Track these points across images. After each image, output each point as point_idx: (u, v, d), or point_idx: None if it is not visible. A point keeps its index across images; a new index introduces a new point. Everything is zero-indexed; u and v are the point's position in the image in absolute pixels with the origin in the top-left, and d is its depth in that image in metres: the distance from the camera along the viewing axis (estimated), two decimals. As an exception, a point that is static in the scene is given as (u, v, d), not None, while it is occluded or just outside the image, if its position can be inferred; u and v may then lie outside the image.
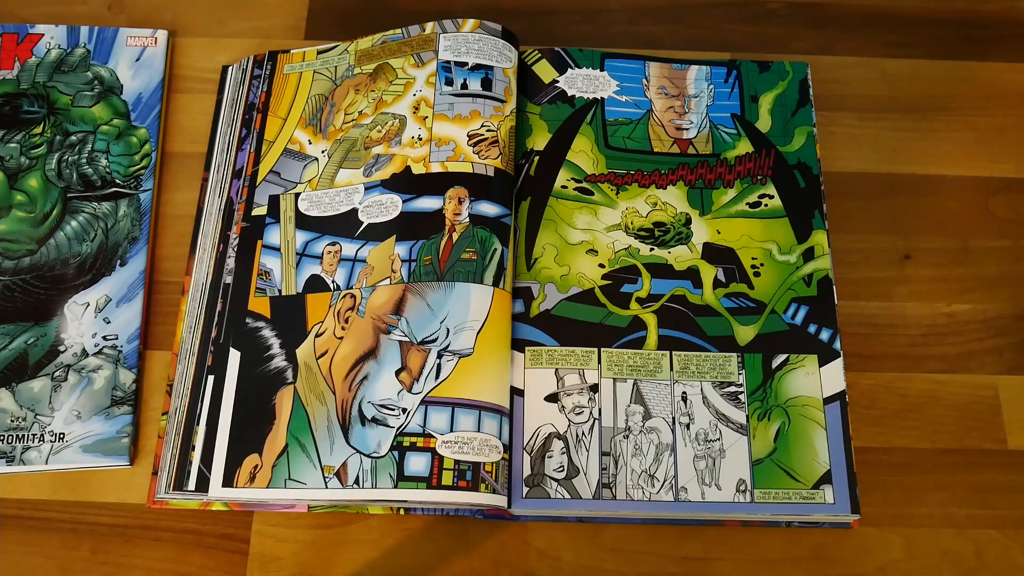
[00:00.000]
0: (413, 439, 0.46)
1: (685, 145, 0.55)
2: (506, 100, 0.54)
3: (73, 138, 0.57)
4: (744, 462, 0.48)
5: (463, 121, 0.53)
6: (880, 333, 0.53)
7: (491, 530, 0.49)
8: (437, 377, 0.47)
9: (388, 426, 0.46)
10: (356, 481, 0.46)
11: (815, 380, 0.49)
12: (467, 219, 0.50)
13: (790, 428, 0.48)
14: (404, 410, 0.47)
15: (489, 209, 0.51)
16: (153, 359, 0.53)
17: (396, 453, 0.46)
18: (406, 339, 0.48)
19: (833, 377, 0.49)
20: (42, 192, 0.55)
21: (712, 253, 0.52)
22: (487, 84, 0.54)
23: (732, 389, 0.49)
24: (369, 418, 0.47)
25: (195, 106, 0.59)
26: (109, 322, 0.53)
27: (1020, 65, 0.60)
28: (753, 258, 0.52)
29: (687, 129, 0.56)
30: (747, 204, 0.54)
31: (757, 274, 0.52)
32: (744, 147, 0.55)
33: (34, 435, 0.50)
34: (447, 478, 0.45)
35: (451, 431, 0.46)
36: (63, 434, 0.50)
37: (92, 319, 0.53)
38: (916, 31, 0.62)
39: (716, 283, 0.52)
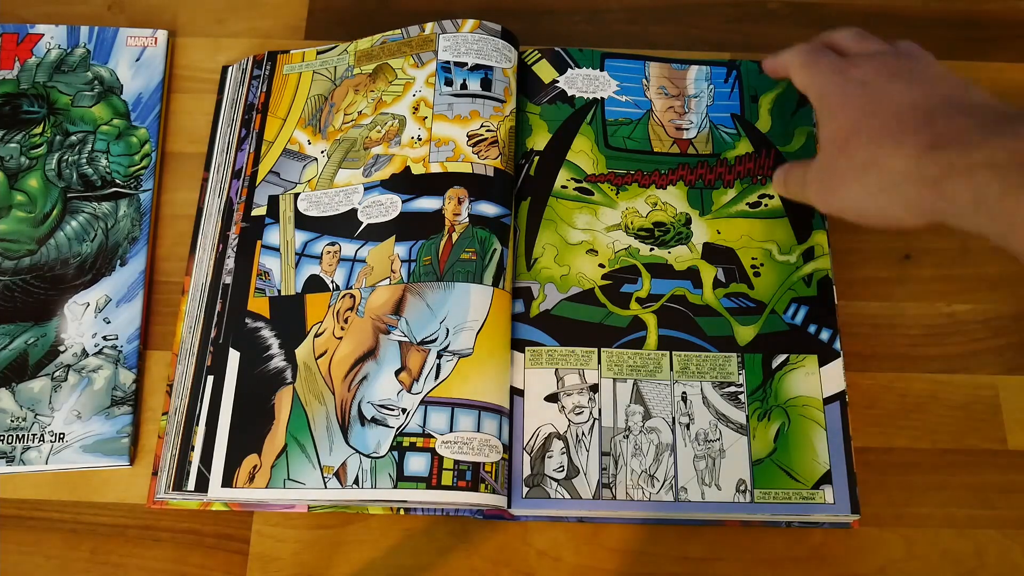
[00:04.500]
0: (413, 439, 0.46)
1: (685, 145, 0.55)
2: (506, 100, 0.54)
3: (73, 138, 0.57)
4: (744, 462, 0.48)
5: (463, 121, 0.53)
6: (880, 333, 0.53)
7: (491, 530, 0.49)
8: (437, 377, 0.47)
9: (387, 426, 0.46)
10: (355, 481, 0.46)
11: (815, 380, 0.49)
12: (467, 219, 0.50)
13: (790, 428, 0.48)
14: (404, 410, 0.47)
15: (489, 209, 0.51)
16: (153, 359, 0.53)
17: (396, 453, 0.46)
18: (406, 339, 0.48)
19: (833, 377, 0.49)
20: (42, 192, 0.55)
21: (712, 253, 0.52)
22: (486, 84, 0.54)
23: (732, 389, 0.49)
24: (368, 418, 0.47)
25: (195, 106, 0.59)
26: (109, 322, 0.53)
27: (1020, 65, 0.60)
28: (753, 258, 0.52)
29: (687, 129, 0.56)
30: (747, 204, 0.54)
31: (757, 274, 0.52)
32: (744, 147, 0.55)
33: (34, 435, 0.50)
34: (447, 478, 0.45)
35: (451, 431, 0.46)
36: (63, 434, 0.50)
37: (92, 319, 0.53)
38: (916, 31, 0.62)
39: (716, 283, 0.52)
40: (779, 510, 0.47)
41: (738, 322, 0.51)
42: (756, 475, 0.47)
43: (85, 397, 0.51)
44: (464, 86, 0.54)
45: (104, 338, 0.52)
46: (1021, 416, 0.51)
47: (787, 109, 0.56)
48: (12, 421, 0.50)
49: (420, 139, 0.53)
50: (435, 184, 0.51)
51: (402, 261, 0.50)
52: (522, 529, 0.49)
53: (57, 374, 0.51)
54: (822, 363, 0.50)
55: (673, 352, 0.50)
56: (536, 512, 0.48)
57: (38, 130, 0.57)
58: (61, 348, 0.52)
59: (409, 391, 0.47)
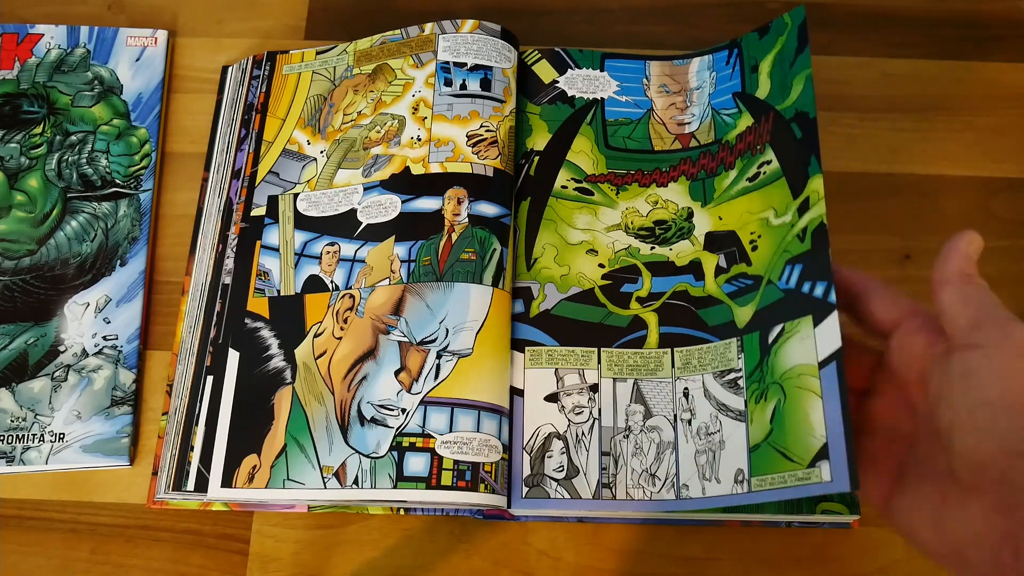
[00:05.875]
0: (412, 439, 0.46)
1: (687, 139, 0.55)
2: (505, 100, 0.54)
3: (73, 138, 0.57)
4: (742, 450, 0.46)
5: (462, 121, 0.53)
6: (880, 333, 0.53)
7: (491, 530, 0.49)
8: (436, 377, 0.47)
9: (387, 426, 0.46)
10: (355, 481, 0.46)
11: (810, 345, 0.44)
12: (466, 219, 0.50)
13: (786, 404, 0.45)
14: (403, 410, 0.47)
15: (488, 209, 0.51)
16: (153, 359, 0.53)
17: (395, 453, 0.46)
18: (405, 339, 0.48)
19: (828, 335, 0.44)
20: (42, 192, 0.55)
21: (713, 240, 0.52)
22: (486, 84, 0.54)
23: (732, 376, 0.48)
24: (368, 418, 0.47)
25: (195, 106, 0.59)
26: (109, 322, 0.53)
27: (1020, 65, 0.60)
28: (752, 232, 0.51)
29: (689, 123, 0.55)
30: (747, 180, 0.52)
31: (755, 247, 0.50)
32: (745, 122, 0.53)
33: (34, 435, 0.50)
34: (446, 478, 0.45)
35: (450, 431, 0.46)
36: (63, 434, 0.50)
37: (92, 319, 0.53)
38: (916, 31, 0.62)
39: (718, 271, 0.51)
40: (776, 496, 0.43)
41: (737, 304, 0.50)
42: (753, 462, 0.45)
43: (85, 397, 0.51)
44: (464, 86, 0.54)
45: (104, 338, 0.52)
46: (1021, 416, 0.51)
47: (786, 62, 0.53)
48: (12, 421, 0.50)
49: (420, 139, 0.53)
50: (435, 184, 0.51)
51: (402, 261, 0.50)
52: (522, 529, 0.49)
53: (57, 374, 0.51)
54: (817, 322, 0.45)
55: (674, 349, 0.50)
56: (536, 512, 0.48)
57: (38, 130, 0.57)
58: (61, 348, 0.52)
59: (409, 391, 0.47)
